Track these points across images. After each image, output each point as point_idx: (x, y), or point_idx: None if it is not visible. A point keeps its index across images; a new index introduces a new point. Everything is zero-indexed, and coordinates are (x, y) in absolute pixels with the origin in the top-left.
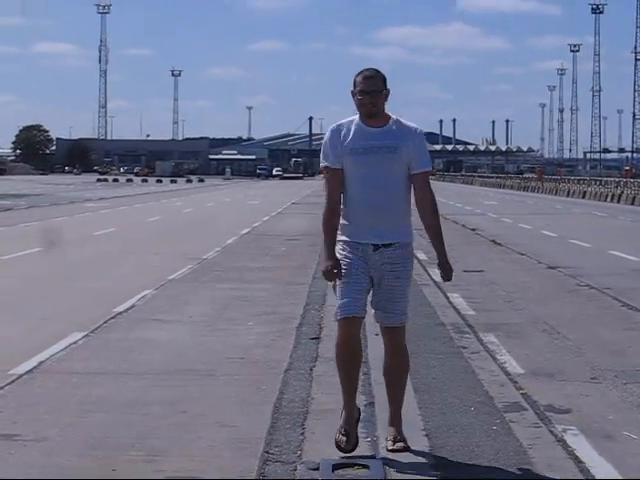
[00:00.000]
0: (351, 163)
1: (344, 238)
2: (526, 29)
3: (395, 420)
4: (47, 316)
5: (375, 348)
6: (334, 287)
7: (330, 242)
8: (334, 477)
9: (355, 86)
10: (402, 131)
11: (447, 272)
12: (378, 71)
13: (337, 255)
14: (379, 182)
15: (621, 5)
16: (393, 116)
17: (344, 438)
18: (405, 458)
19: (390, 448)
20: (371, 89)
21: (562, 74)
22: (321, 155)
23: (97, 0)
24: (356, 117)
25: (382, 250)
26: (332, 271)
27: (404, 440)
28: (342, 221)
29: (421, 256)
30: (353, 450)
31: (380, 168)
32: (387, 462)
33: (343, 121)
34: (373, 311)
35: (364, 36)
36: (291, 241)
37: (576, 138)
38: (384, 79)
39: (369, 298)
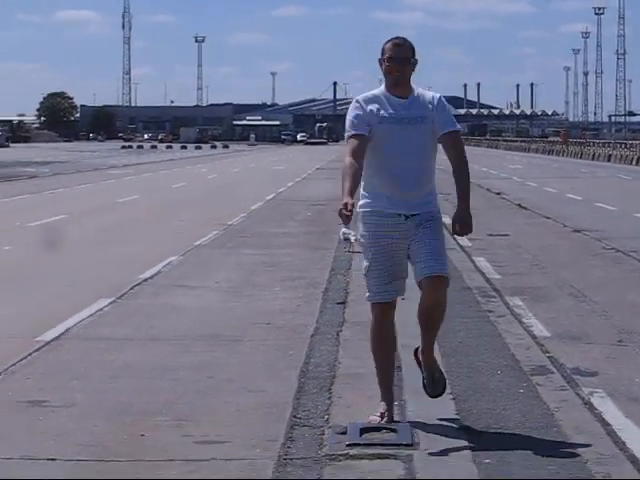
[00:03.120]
0: (379, 133)
1: (372, 209)
2: None
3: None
4: (73, 283)
5: (401, 311)
6: (349, 247)
7: (348, 185)
8: (362, 441)
9: (383, 53)
10: (425, 101)
11: (465, 225)
12: (407, 40)
13: (366, 233)
14: (408, 152)
15: None
16: (415, 87)
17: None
18: (432, 422)
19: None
20: (400, 56)
21: (586, 37)
22: (346, 125)
23: None
24: (381, 88)
25: (411, 218)
26: (345, 213)
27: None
28: (367, 192)
29: (447, 220)
30: None
31: (408, 138)
32: (414, 426)
33: (367, 93)
34: (415, 270)
35: (387, 0)
36: (316, 206)
37: (601, 101)
38: (413, 48)
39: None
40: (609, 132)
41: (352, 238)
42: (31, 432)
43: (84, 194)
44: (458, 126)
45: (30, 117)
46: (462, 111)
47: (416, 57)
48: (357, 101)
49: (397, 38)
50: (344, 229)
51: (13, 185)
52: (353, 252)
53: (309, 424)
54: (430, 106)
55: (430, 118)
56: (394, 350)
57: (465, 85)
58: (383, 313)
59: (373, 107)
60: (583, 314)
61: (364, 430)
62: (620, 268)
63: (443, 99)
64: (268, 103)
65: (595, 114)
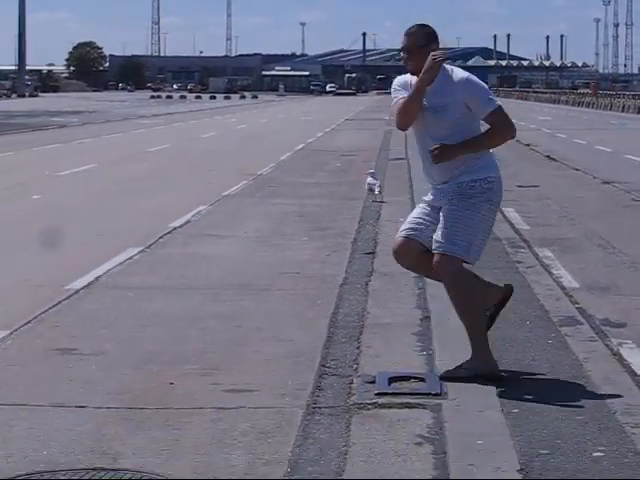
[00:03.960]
0: None
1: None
2: None
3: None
4: (102, 231)
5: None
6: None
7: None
8: (390, 390)
9: None
10: (451, 84)
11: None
12: (422, 26)
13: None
14: (429, 140)
15: None
16: (441, 71)
17: None
18: (461, 372)
19: None
20: (407, 46)
21: None
22: (392, 93)
23: None
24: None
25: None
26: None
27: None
28: None
29: None
30: None
31: (430, 127)
32: (443, 375)
33: (400, 78)
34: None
35: None
36: (345, 157)
37: (631, 53)
38: (428, 35)
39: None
40: (639, 84)
41: (377, 189)
42: (60, 380)
43: (113, 143)
44: (496, 103)
45: (59, 67)
46: (492, 62)
47: (436, 43)
48: (398, 78)
49: (412, 26)
50: (370, 179)
51: (43, 134)
52: (380, 202)
53: (338, 373)
54: (458, 90)
55: (454, 103)
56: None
57: (495, 36)
58: (403, 246)
59: (401, 94)
60: (612, 265)
61: (392, 379)
62: None
63: (472, 79)
64: (297, 53)
65: (625, 66)
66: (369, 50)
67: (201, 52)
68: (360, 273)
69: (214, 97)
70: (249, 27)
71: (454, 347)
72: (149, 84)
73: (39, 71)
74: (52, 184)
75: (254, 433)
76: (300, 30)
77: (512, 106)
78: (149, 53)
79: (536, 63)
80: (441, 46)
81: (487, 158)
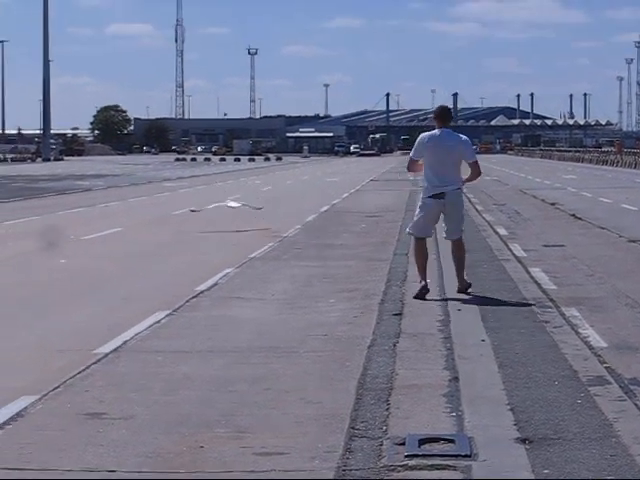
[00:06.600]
0: None
1: None
2: (604, 1)
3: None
4: (130, 295)
5: (457, 322)
6: None
7: None
8: (420, 452)
9: None
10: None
11: None
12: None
13: None
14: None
15: None
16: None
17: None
18: (490, 433)
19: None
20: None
21: None
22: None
23: None
24: None
25: None
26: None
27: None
28: None
29: (501, 231)
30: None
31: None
32: (472, 437)
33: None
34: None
35: (439, 11)
36: (371, 218)
37: None
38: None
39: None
40: None
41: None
42: (90, 444)
43: (138, 206)
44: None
45: (84, 130)
46: (515, 121)
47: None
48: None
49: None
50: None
51: (68, 198)
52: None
53: (367, 435)
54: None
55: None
56: (427, 256)
57: (518, 95)
58: (422, 241)
59: (413, 154)
60: None
61: (422, 441)
62: None
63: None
64: (321, 115)
65: None
66: (392, 110)
67: (225, 114)
68: (388, 334)
69: (238, 159)
70: (273, 89)
71: (483, 408)
72: (174, 147)
73: (64, 135)
74: (78, 248)
75: None
76: (323, 91)
77: (537, 165)
78: (173, 115)
79: (560, 122)
80: (465, 106)
81: None
